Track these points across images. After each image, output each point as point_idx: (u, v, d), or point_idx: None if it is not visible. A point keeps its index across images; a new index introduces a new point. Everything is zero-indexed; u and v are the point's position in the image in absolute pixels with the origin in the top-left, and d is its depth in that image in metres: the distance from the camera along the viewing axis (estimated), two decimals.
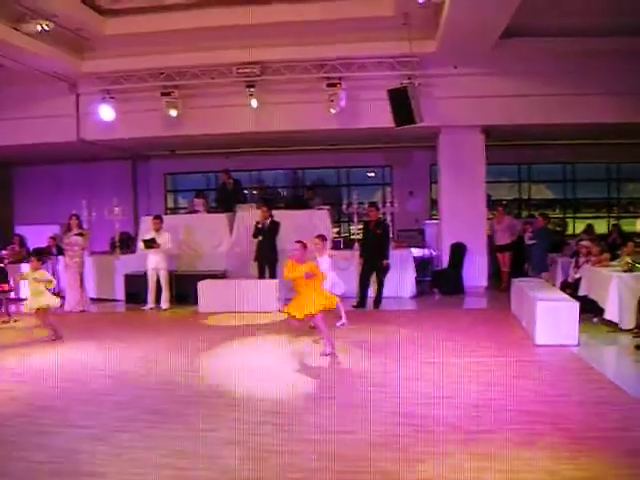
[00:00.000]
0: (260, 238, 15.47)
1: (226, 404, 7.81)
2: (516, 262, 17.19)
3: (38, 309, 11.97)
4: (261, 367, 9.59)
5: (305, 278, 10.01)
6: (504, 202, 23.27)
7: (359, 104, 16.68)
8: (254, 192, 23.40)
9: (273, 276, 15.34)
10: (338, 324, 12.45)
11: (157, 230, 15.64)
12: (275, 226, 15.54)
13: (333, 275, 12.42)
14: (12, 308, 15.22)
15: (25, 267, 17.61)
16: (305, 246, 10.80)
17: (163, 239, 15.46)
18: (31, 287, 12.15)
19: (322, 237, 12.62)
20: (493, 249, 17.70)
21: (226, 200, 18.55)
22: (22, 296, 16.38)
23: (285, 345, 11.10)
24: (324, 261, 12.34)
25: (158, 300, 15.58)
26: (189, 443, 6.52)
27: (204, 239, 17.22)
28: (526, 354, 10.02)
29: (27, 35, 13.97)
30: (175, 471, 5.87)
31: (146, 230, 16.37)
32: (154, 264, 15.43)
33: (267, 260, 15.50)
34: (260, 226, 15.47)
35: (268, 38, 15.44)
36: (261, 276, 15.55)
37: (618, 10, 13.59)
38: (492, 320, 13.06)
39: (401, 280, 16.08)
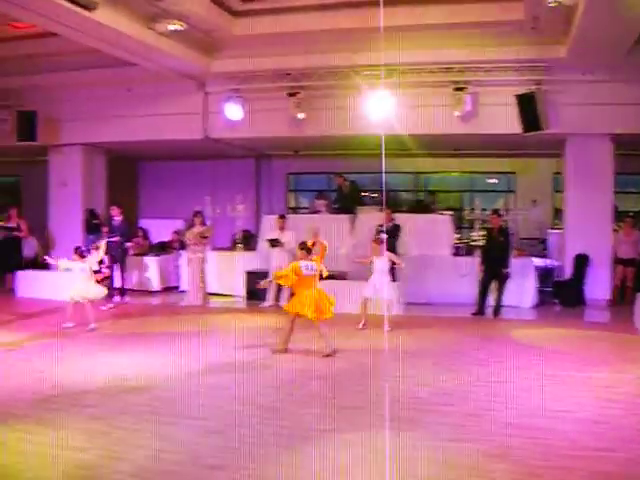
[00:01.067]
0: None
1: (340, 406, 7.82)
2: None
3: (85, 298, 12.65)
4: (379, 370, 9.60)
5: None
6: (631, 214, 22.44)
7: (485, 109, 16.40)
8: (373, 195, 23.32)
9: (393, 279, 15.26)
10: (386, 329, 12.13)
11: (281, 229, 15.85)
12: (396, 229, 15.48)
13: (385, 280, 12.89)
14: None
15: (149, 260, 18.19)
16: (309, 250, 11.05)
17: (287, 238, 15.62)
18: (79, 277, 12.82)
19: (379, 240, 13.11)
20: (615, 262, 17.08)
21: (344, 202, 18.60)
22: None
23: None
24: (381, 263, 12.77)
25: (278, 298, 15.73)
26: (301, 442, 6.58)
27: (325, 240, 17.20)
28: None
29: (160, 35, 14.30)
30: (288, 469, 5.90)
31: (268, 229, 16.57)
32: (278, 263, 15.59)
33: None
34: (382, 229, 15.40)
35: (393, 40, 15.28)
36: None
37: None
38: (614, 334, 12.69)
39: (521, 289, 15.76)
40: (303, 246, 11.05)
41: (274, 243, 15.65)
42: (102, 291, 13.19)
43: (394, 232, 15.44)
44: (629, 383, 8.92)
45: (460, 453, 6.25)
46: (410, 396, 8.22)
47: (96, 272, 13.71)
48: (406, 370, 9.52)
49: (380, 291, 12.93)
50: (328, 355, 10.48)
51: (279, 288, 15.65)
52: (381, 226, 15.45)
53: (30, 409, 7.59)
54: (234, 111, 17.16)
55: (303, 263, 10.76)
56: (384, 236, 13.24)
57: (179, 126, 18.25)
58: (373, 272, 13.14)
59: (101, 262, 14.48)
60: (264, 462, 6.07)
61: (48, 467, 5.93)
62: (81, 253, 13.03)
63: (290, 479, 5.76)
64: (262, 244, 16.42)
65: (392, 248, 15.32)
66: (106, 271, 15.79)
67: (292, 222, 16.70)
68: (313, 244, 11.22)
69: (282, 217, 16.26)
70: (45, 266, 18.53)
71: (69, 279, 13.09)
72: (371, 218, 16.96)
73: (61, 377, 9.08)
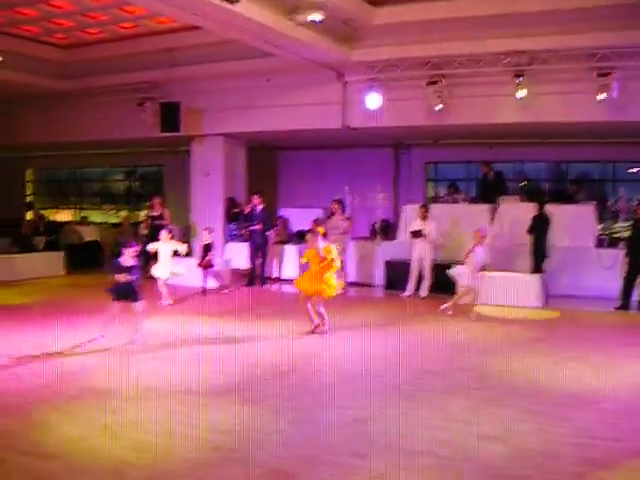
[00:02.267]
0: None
1: (486, 398, 7.73)
2: None
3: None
4: (527, 364, 9.45)
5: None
6: None
7: (631, 95, 15.72)
8: (521, 184, 22.91)
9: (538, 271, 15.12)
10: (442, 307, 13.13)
11: (424, 219, 15.74)
12: (545, 221, 15.18)
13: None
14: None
15: (289, 248, 18.41)
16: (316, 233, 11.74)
17: (429, 228, 15.51)
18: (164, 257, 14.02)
19: (481, 231, 13.13)
20: None
21: (487, 191, 18.31)
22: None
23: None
24: (479, 252, 12.88)
25: (417, 288, 15.65)
26: (446, 433, 6.51)
27: (465, 230, 17.04)
28: None
29: (300, 25, 14.36)
30: (435, 459, 5.84)
31: (408, 219, 16.48)
32: (420, 253, 15.52)
33: (535, 255, 15.26)
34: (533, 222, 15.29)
35: (536, 26, 14.89)
36: (535, 271, 15.30)
37: None
38: None
39: None
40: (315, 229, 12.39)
41: (417, 234, 15.57)
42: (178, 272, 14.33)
43: (543, 223, 15.11)
44: None
45: (611, 452, 6.05)
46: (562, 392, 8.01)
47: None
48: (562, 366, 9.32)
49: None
50: (313, 332, 11.40)
51: (419, 278, 15.58)
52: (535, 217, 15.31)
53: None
54: (374, 100, 17.07)
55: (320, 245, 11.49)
56: (487, 229, 13.01)
57: (318, 116, 18.34)
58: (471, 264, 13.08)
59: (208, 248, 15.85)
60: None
61: (191, 448, 6.04)
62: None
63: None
64: (404, 235, 16.33)
65: (541, 239, 15.07)
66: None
67: (431, 212, 16.58)
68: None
69: (424, 207, 16.19)
70: (188, 254, 19.05)
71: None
72: (513, 208, 16.64)
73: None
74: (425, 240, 15.49)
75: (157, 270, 14.21)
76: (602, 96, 15.37)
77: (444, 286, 15.52)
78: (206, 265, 16.07)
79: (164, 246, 14.26)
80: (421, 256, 15.54)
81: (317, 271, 11.27)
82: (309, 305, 11.42)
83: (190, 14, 13.24)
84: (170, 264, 14.31)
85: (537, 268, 15.20)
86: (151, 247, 14.32)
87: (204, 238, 16.26)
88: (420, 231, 15.56)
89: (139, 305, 10.48)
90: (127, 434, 6.40)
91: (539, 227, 15.16)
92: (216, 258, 16.43)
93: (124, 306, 10.42)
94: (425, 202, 20.65)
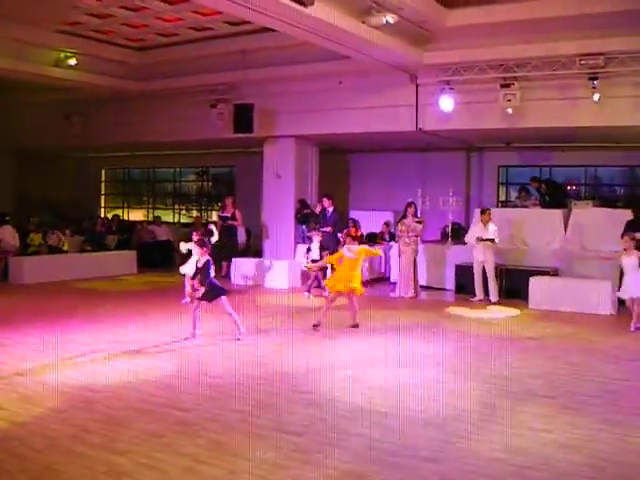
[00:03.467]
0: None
1: (559, 405, 7.66)
2: None
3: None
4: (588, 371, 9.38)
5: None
6: None
7: None
8: (572, 187, 22.75)
9: None
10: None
11: (485, 223, 15.61)
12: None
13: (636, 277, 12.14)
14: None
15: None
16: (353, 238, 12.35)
17: (490, 232, 15.40)
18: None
19: (632, 237, 12.43)
20: None
21: (546, 204, 18.22)
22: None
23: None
24: (631, 261, 12.22)
25: (487, 292, 15.55)
26: (523, 441, 6.46)
27: (536, 234, 16.90)
28: None
29: (373, 28, 14.39)
30: (508, 467, 5.81)
31: (475, 223, 16.42)
32: (482, 257, 15.42)
33: None
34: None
35: (613, 28, 14.68)
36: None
37: None
38: None
39: None
40: (348, 234, 12.63)
41: (479, 239, 15.48)
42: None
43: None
44: None
45: None
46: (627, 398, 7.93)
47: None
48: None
49: (630, 290, 12.37)
50: (354, 326, 12.04)
51: (485, 282, 15.48)
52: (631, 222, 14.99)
53: (250, 392, 7.89)
54: (447, 103, 17.00)
55: (345, 249, 12.14)
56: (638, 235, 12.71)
57: (390, 118, 18.31)
58: (625, 270, 12.56)
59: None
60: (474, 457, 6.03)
61: (267, 448, 6.14)
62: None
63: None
64: (468, 238, 16.23)
65: None
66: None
67: (502, 216, 16.50)
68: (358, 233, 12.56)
69: (485, 211, 16.02)
70: (257, 254, 19.27)
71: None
72: (587, 213, 16.46)
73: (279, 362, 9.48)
74: (486, 243, 15.36)
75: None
76: None
77: (514, 292, 15.46)
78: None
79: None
80: (483, 259, 15.43)
81: (348, 271, 11.93)
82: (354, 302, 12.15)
83: (265, 17, 13.34)
84: None
85: None
86: (184, 247, 14.20)
87: (314, 239, 16.24)
88: (480, 237, 15.47)
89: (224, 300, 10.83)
90: None
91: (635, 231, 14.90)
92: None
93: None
94: (495, 206, 20.64)
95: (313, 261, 15.63)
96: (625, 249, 12.35)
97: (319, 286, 16.12)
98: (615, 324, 12.98)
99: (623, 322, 12.67)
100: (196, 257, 11.64)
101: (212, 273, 10.93)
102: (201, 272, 10.86)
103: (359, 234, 12.24)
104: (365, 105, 18.43)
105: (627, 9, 14.01)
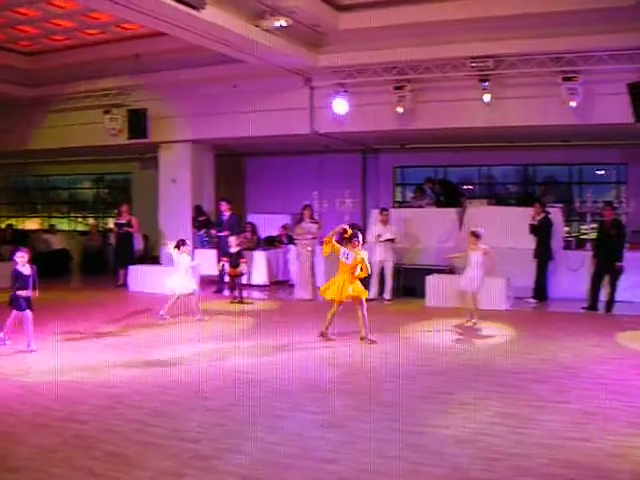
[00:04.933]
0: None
1: (458, 402, 7.75)
2: None
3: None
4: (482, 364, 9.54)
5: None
6: None
7: (596, 99, 15.90)
8: (468, 187, 23.31)
9: (540, 274, 15.42)
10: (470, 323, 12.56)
11: (384, 223, 15.77)
12: (548, 223, 15.28)
13: (478, 273, 12.60)
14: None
15: (258, 254, 18.39)
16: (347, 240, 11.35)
17: (389, 232, 15.57)
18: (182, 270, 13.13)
19: (476, 233, 12.70)
20: None
21: (440, 203, 18.57)
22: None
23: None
24: (475, 257, 12.59)
25: (382, 291, 15.70)
26: (420, 438, 6.51)
27: (432, 233, 17.14)
28: None
29: (266, 31, 14.38)
30: (407, 465, 5.85)
31: (374, 223, 16.54)
32: (380, 256, 15.57)
33: (538, 257, 15.42)
34: (534, 223, 15.41)
35: (502, 31, 15.05)
36: (539, 273, 15.47)
37: None
38: None
39: (635, 284, 15.12)
40: (345, 234, 11.49)
41: (378, 239, 15.63)
42: (191, 287, 13.35)
43: (546, 225, 15.24)
44: None
45: (581, 452, 6.10)
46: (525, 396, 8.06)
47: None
48: (524, 365, 9.46)
49: (472, 284, 12.76)
50: (364, 339, 11.03)
51: (382, 281, 15.63)
52: (533, 220, 15.44)
53: (147, 401, 7.76)
54: (341, 105, 17.15)
55: (344, 250, 11.21)
56: (481, 230, 12.98)
57: (286, 121, 18.35)
58: (468, 266, 12.87)
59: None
60: (376, 456, 6.05)
61: (164, 457, 6.04)
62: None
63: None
64: (369, 238, 16.35)
65: (544, 241, 15.19)
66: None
67: (399, 216, 16.68)
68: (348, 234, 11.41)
69: (384, 211, 16.20)
70: (155, 260, 19.03)
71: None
72: (481, 211, 16.81)
73: (179, 370, 9.35)
74: (385, 244, 15.52)
75: (178, 284, 13.27)
76: (573, 104, 15.53)
77: (411, 290, 15.69)
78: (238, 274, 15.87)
79: (182, 258, 13.29)
80: (382, 259, 15.59)
81: (340, 277, 11.14)
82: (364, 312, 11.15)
83: (156, 20, 13.18)
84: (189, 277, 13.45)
85: (540, 269, 15.38)
86: (171, 252, 13.50)
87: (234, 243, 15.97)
88: (379, 235, 15.63)
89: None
90: None
91: (544, 229, 15.25)
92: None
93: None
94: (392, 206, 20.90)
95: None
96: (471, 245, 12.71)
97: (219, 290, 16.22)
98: (509, 319, 13.25)
99: (518, 317, 12.99)
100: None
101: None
102: None
103: (349, 234, 11.40)
104: (260, 108, 18.42)
105: (515, 13, 14.39)
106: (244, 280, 16.75)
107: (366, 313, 11.09)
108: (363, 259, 11.09)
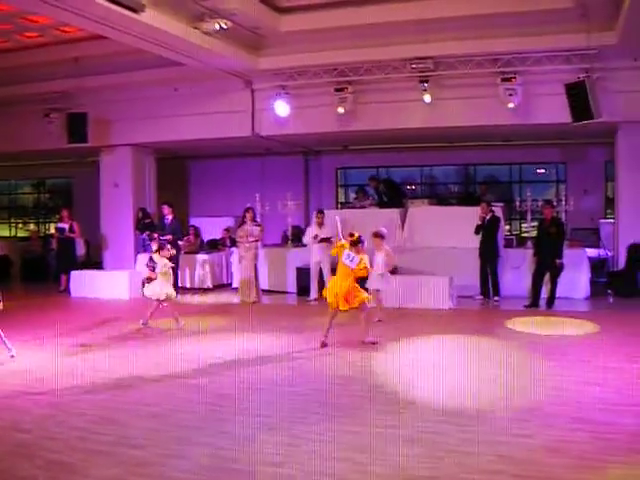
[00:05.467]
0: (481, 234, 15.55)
1: (403, 401, 7.79)
2: None
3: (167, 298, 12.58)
4: (433, 365, 9.62)
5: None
6: None
7: (534, 99, 16.22)
8: (411, 187, 23.57)
9: (493, 272, 15.52)
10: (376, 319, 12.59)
11: (320, 225, 15.84)
12: (496, 221, 15.43)
13: (385, 274, 12.90)
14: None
15: (201, 257, 18.32)
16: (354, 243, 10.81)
17: (325, 233, 15.64)
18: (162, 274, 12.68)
19: (379, 234, 12.90)
20: None
21: (384, 203, 18.67)
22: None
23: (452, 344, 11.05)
24: (379, 257, 12.79)
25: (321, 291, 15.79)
26: (366, 438, 6.53)
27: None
28: None
29: (206, 34, 14.35)
30: (353, 465, 5.88)
31: (310, 224, 16.65)
32: (317, 258, 15.65)
33: (486, 256, 15.51)
34: (480, 222, 15.47)
35: (441, 32, 15.24)
36: (482, 272, 15.60)
37: None
38: None
39: (575, 280, 15.49)
40: (350, 238, 10.88)
41: (315, 239, 15.71)
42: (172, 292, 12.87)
43: (494, 224, 15.41)
44: None
45: (523, 448, 6.18)
46: (471, 393, 8.14)
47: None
48: (459, 364, 9.55)
49: (378, 284, 12.98)
50: (365, 342, 10.83)
51: (321, 280, 15.69)
52: (480, 219, 15.54)
53: (92, 409, 7.68)
54: (282, 108, 17.20)
55: (347, 252, 10.72)
56: (384, 230, 13.12)
57: (227, 124, 18.38)
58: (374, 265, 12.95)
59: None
60: (323, 458, 6.06)
61: (109, 465, 6.00)
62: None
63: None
64: (306, 239, 16.39)
65: (491, 241, 15.33)
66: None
67: (340, 217, 16.78)
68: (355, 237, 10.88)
69: (320, 212, 16.30)
70: (97, 265, 18.85)
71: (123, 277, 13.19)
72: (422, 211, 16.97)
73: (122, 374, 9.24)
74: (323, 246, 15.60)
75: (157, 289, 12.67)
76: (508, 101, 15.82)
77: None
78: None
79: (162, 262, 12.79)
80: (319, 260, 15.68)
81: (340, 280, 10.75)
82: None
83: (95, 23, 13.07)
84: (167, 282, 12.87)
85: (492, 268, 15.56)
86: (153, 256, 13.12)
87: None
88: (315, 236, 15.71)
89: None
90: None
91: (492, 228, 15.39)
92: None
93: None
94: (335, 207, 21.04)
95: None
96: (376, 246, 12.87)
97: None
98: (452, 317, 13.40)
99: (459, 315, 13.16)
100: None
101: None
102: None
103: (355, 238, 10.81)
104: (201, 111, 18.42)
105: (455, 15, 14.58)
106: (188, 284, 16.75)
107: (367, 317, 10.99)
108: (366, 264, 10.80)
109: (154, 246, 14.09)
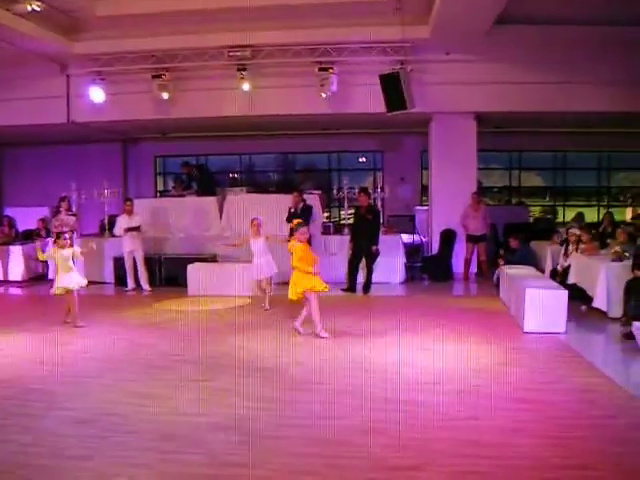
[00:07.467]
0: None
1: (215, 388, 7.79)
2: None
3: (70, 290, 11.76)
4: (246, 351, 9.61)
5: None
6: (495, 189, 23.45)
7: (351, 89, 16.66)
8: (233, 175, 23.72)
9: None
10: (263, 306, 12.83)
11: (129, 213, 15.61)
12: (308, 210, 15.59)
13: (267, 259, 12.94)
14: None
15: (14, 249, 17.62)
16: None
17: (137, 221, 15.49)
18: (62, 266, 11.88)
19: (257, 220, 12.94)
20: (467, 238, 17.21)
21: (198, 188, 18.59)
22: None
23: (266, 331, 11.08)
24: (258, 244, 12.82)
25: (138, 282, 15.63)
26: (176, 427, 6.50)
27: (194, 222, 17.24)
28: (514, 341, 10.01)
29: (18, 16, 13.88)
30: (161, 454, 5.85)
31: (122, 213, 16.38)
32: (130, 247, 15.47)
33: None
34: (293, 210, 15.55)
35: (260, 21, 15.37)
36: None
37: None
38: (480, 307, 13.00)
39: (391, 266, 15.95)
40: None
41: (126, 230, 15.50)
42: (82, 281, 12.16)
43: (306, 213, 15.54)
44: (495, 353, 9.24)
45: (335, 430, 6.31)
46: (282, 376, 8.27)
47: None
48: (279, 350, 9.67)
49: (264, 271, 13.00)
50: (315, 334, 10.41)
51: (135, 271, 15.56)
52: (291, 208, 15.63)
53: None
54: (98, 94, 16.89)
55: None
56: (261, 218, 13.23)
57: (41, 110, 17.80)
58: (254, 254, 13.03)
59: None
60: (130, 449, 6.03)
61: None
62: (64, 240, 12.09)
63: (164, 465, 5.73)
64: (115, 230, 16.09)
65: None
66: None
67: (159, 205, 16.79)
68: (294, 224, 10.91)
69: (129, 200, 16.06)
70: None
71: None
72: (240, 199, 17.05)
73: None
74: (134, 234, 15.49)
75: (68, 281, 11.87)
76: (324, 90, 16.19)
77: (173, 279, 15.72)
78: None
79: (60, 253, 11.93)
80: (132, 249, 15.52)
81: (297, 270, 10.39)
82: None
83: None
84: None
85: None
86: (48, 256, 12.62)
87: None
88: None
89: None
90: None
91: (304, 216, 15.50)
92: None
93: None
94: (154, 195, 20.87)
95: None
96: (252, 233, 12.94)
97: None
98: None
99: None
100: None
101: None
102: None
103: (294, 224, 10.70)
104: (13, 97, 17.81)
105: (273, 4, 14.75)
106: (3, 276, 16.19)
107: (316, 306, 10.44)
108: (300, 247, 10.34)
109: None
